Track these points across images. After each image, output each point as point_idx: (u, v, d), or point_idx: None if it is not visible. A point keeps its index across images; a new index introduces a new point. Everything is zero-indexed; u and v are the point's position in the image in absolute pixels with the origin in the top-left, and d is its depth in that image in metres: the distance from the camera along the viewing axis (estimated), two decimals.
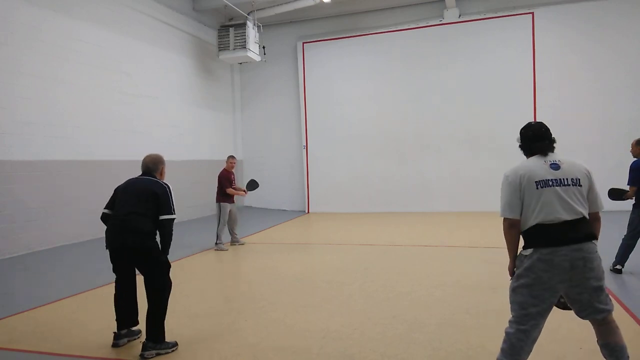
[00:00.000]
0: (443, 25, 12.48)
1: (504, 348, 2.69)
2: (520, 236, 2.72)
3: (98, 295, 5.29)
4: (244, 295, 5.57)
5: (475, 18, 12.21)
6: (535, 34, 11.73)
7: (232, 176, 8.30)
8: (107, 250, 3.76)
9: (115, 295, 3.87)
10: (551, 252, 2.53)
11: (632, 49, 11.17)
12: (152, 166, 3.88)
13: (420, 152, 12.79)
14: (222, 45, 12.05)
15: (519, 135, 2.92)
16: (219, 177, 8.20)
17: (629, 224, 5.56)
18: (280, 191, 14.20)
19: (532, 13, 11.75)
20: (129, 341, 3.85)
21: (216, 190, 8.21)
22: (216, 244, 8.02)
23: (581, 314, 2.68)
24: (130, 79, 10.16)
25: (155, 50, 11.05)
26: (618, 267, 5.59)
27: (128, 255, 3.67)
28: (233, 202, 8.25)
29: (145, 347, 3.54)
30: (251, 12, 12.16)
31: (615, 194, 5.53)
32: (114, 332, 3.83)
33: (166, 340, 3.65)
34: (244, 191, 8.35)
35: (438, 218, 11.21)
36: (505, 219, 2.72)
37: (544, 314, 2.62)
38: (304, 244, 9.03)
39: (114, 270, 3.84)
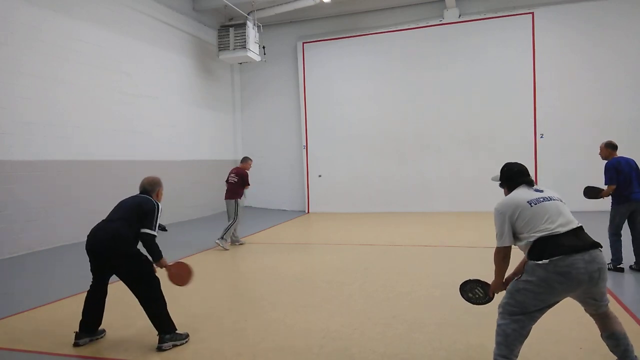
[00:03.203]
0: (443, 25, 12.48)
1: (499, 341, 2.78)
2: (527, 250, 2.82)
3: None
4: (244, 295, 5.57)
5: (475, 18, 12.21)
6: (535, 34, 11.73)
7: None
8: (87, 252, 3.85)
9: (86, 297, 3.92)
10: (569, 266, 2.59)
11: (632, 49, 11.17)
12: (149, 187, 4.05)
13: (420, 152, 12.79)
14: (222, 45, 12.04)
15: (498, 175, 3.21)
16: (242, 174, 8.24)
17: (610, 220, 5.73)
18: (280, 191, 14.21)
19: (532, 13, 11.75)
20: (90, 340, 3.87)
21: (231, 187, 8.20)
22: (222, 237, 7.97)
23: (588, 311, 2.89)
24: (130, 79, 10.16)
25: (155, 50, 11.05)
26: (620, 266, 5.62)
27: (107, 258, 3.76)
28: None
29: (161, 340, 3.69)
30: (251, 12, 12.16)
31: (591, 193, 5.76)
32: (75, 332, 3.84)
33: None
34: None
35: (438, 218, 11.21)
36: (500, 250, 2.91)
37: (542, 311, 2.74)
38: (304, 244, 9.03)
39: (91, 271, 3.92)
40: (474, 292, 3.20)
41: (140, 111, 10.45)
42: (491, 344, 3.52)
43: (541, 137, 11.82)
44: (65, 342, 3.91)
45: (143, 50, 10.62)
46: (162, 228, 7.42)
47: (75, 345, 3.79)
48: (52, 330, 4.21)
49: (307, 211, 13.69)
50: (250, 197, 14.84)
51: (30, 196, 7.85)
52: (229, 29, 11.96)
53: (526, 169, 3.14)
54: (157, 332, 3.74)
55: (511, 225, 2.82)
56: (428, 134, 12.69)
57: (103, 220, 3.90)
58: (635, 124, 11.17)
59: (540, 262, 2.64)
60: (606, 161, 5.78)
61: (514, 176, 3.08)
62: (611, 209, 5.74)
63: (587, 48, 11.46)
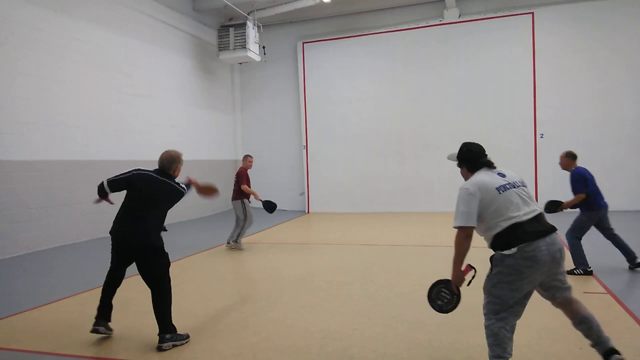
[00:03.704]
0: (443, 25, 12.47)
1: (490, 342, 2.82)
2: (493, 239, 2.88)
3: (98, 296, 5.26)
4: (244, 295, 5.57)
5: (475, 18, 12.21)
6: (535, 34, 11.73)
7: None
8: (112, 243, 3.91)
9: (104, 285, 3.99)
10: (534, 250, 2.72)
11: (632, 49, 11.17)
12: (167, 165, 3.99)
13: (420, 152, 12.79)
14: (222, 45, 12.04)
15: (456, 153, 3.21)
16: (238, 173, 8.01)
17: (578, 226, 5.67)
18: (280, 191, 14.19)
19: (532, 13, 11.76)
20: (104, 332, 3.92)
21: (234, 188, 8.00)
22: (236, 241, 7.87)
23: (556, 296, 2.95)
24: (130, 79, 10.16)
25: (155, 50, 11.05)
26: (590, 269, 5.59)
27: (135, 253, 3.82)
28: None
29: (162, 340, 3.70)
30: (251, 12, 12.16)
31: (552, 207, 5.67)
32: (95, 318, 3.91)
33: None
34: (257, 195, 7.99)
35: (438, 218, 11.20)
36: (462, 230, 2.87)
37: (521, 302, 2.82)
38: (304, 244, 9.03)
39: (112, 261, 3.98)
40: (441, 296, 3.14)
41: (140, 111, 10.45)
42: None
43: (541, 137, 11.82)
44: (65, 342, 3.91)
45: (143, 50, 10.62)
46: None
47: (95, 331, 3.85)
48: (52, 330, 4.20)
49: (307, 211, 13.69)
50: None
51: (30, 196, 7.85)
52: (229, 29, 11.96)
53: (484, 149, 3.17)
54: (157, 332, 3.75)
55: (478, 207, 2.83)
56: (428, 134, 12.68)
57: (129, 214, 3.81)
58: (635, 124, 11.17)
59: (507, 251, 2.75)
60: (567, 171, 5.79)
61: (475, 157, 3.11)
62: (581, 215, 5.68)
63: (587, 48, 11.45)
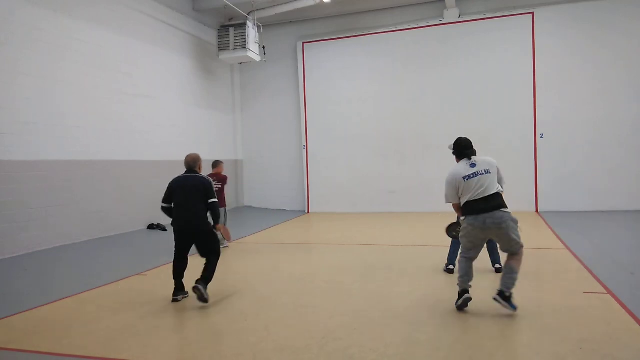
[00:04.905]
0: (443, 25, 12.47)
1: (460, 272, 4.44)
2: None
3: (98, 295, 5.28)
4: (243, 295, 5.57)
5: (475, 18, 12.21)
6: (535, 34, 11.72)
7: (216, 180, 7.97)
8: (175, 230, 5.02)
9: (174, 266, 5.04)
10: (474, 219, 4.27)
11: (632, 49, 11.16)
12: (193, 164, 5.17)
13: (420, 152, 12.79)
14: (222, 45, 12.04)
15: (452, 144, 4.58)
16: (223, 178, 7.99)
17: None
18: (280, 191, 14.21)
19: (532, 13, 11.75)
20: (182, 298, 4.97)
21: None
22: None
23: (502, 249, 4.40)
24: (130, 79, 10.15)
25: (155, 50, 11.04)
26: (450, 267, 5.79)
27: (193, 234, 4.96)
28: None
29: (199, 282, 4.75)
30: (251, 12, 12.16)
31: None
32: (175, 289, 4.96)
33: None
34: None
35: (438, 218, 11.17)
36: (453, 204, 4.53)
37: (476, 249, 4.44)
38: (304, 244, 9.03)
39: (177, 247, 5.03)
40: (457, 230, 4.76)
41: (140, 111, 10.43)
42: (491, 344, 3.55)
43: (541, 137, 11.82)
44: (65, 342, 3.91)
45: (143, 50, 10.61)
46: (162, 228, 7.76)
47: (175, 300, 4.89)
48: (52, 330, 4.21)
49: (307, 211, 13.69)
50: (250, 197, 14.82)
51: (30, 196, 7.85)
52: (229, 29, 11.96)
53: (470, 142, 4.50)
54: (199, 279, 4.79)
55: (456, 189, 4.37)
56: (428, 134, 12.67)
57: (188, 205, 4.93)
58: (635, 124, 11.17)
59: (463, 218, 4.41)
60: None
61: (461, 149, 4.49)
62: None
63: (587, 48, 11.45)
